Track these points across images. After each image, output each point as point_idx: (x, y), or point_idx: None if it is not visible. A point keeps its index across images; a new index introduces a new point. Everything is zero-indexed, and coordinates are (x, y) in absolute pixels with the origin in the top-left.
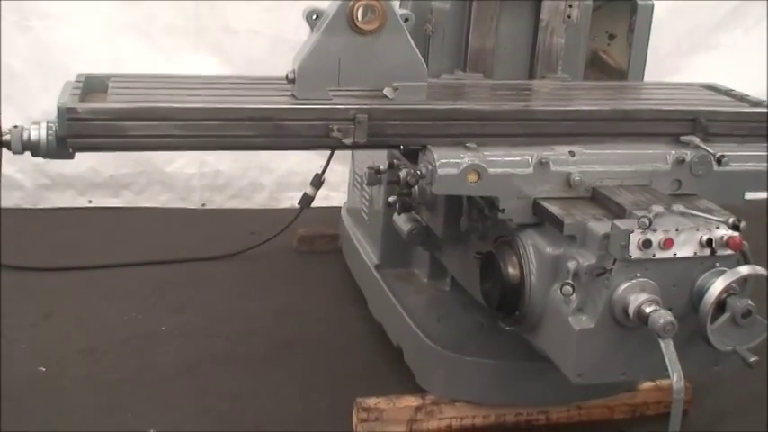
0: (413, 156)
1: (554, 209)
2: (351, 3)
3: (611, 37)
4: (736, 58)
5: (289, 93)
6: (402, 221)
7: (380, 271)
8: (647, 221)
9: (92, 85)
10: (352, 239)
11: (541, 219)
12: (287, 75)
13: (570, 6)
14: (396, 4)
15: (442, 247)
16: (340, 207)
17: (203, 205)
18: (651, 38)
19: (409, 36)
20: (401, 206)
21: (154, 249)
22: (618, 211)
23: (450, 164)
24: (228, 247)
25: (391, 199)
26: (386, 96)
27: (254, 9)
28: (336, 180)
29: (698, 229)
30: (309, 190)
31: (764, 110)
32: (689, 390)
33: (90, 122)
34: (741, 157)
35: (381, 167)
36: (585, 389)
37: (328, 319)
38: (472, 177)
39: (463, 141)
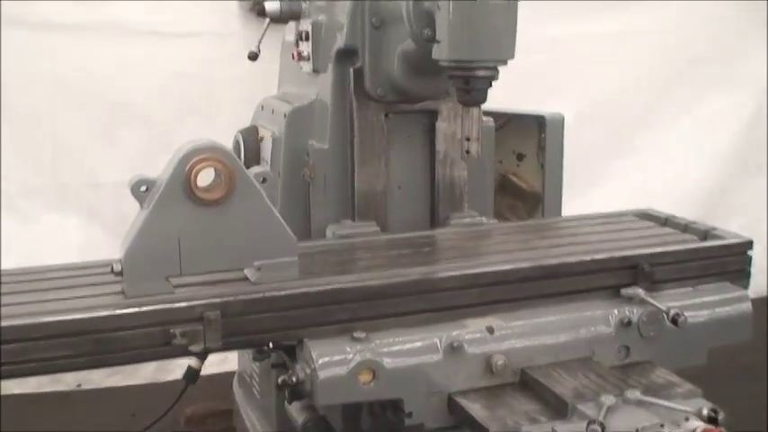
0: (290, 352)
1: (475, 408)
2: (187, 167)
3: (520, 157)
4: (655, 159)
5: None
6: (295, 410)
7: None
8: (598, 429)
9: None
10: (244, 419)
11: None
12: (112, 266)
13: (468, 140)
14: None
15: None
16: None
17: (78, 386)
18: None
19: (268, 201)
20: (291, 394)
21: None
22: (558, 405)
23: (334, 362)
24: None
25: (280, 380)
26: (247, 278)
27: (121, 157)
28: None
29: (662, 426)
30: (194, 362)
31: (715, 243)
32: None
33: None
34: (697, 305)
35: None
36: None
37: None
38: (366, 377)
39: (350, 328)
